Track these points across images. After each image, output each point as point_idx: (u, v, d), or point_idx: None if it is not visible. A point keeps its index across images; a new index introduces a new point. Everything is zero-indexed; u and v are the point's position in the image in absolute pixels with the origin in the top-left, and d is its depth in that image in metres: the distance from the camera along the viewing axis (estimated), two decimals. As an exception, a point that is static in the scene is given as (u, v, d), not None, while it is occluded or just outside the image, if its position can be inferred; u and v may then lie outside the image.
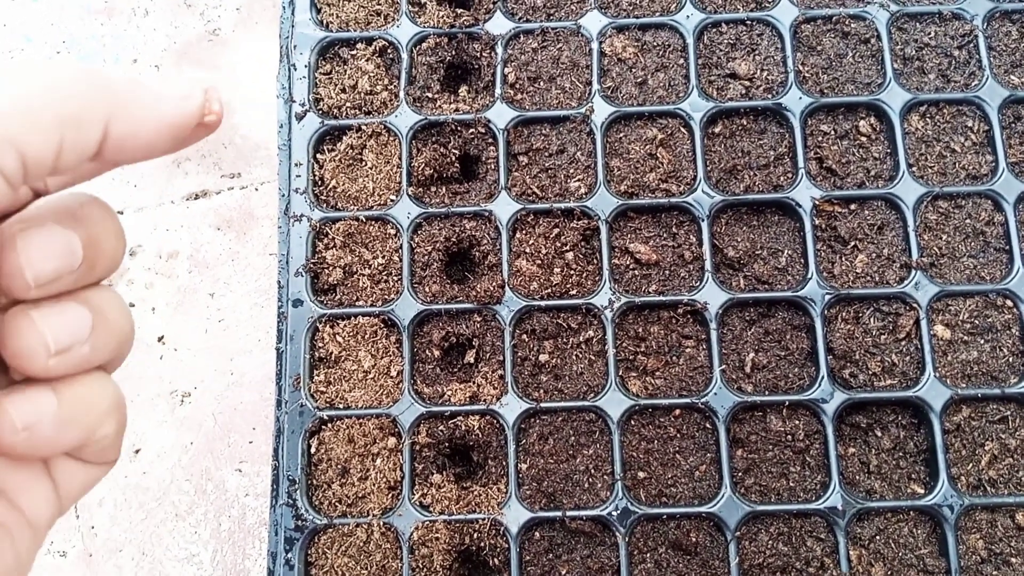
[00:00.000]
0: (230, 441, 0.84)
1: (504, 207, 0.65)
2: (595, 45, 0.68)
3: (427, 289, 0.64)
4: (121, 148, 0.26)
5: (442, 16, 0.70)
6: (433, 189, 0.67)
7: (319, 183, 0.67)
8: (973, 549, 0.59)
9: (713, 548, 0.60)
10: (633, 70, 0.68)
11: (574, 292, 0.64)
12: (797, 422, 0.61)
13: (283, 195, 0.67)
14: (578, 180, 0.66)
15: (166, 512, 0.82)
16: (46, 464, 0.29)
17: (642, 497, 0.60)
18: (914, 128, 0.66)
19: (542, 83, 0.68)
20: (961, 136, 0.65)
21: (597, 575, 0.59)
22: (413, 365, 0.63)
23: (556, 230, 0.65)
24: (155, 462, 0.83)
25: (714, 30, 0.69)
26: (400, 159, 0.67)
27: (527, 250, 0.65)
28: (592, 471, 0.61)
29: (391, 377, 0.63)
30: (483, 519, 0.60)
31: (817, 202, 0.64)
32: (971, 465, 0.60)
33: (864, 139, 0.66)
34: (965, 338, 0.62)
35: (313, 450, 0.63)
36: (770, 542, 0.59)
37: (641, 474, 0.61)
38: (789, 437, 0.61)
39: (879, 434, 0.62)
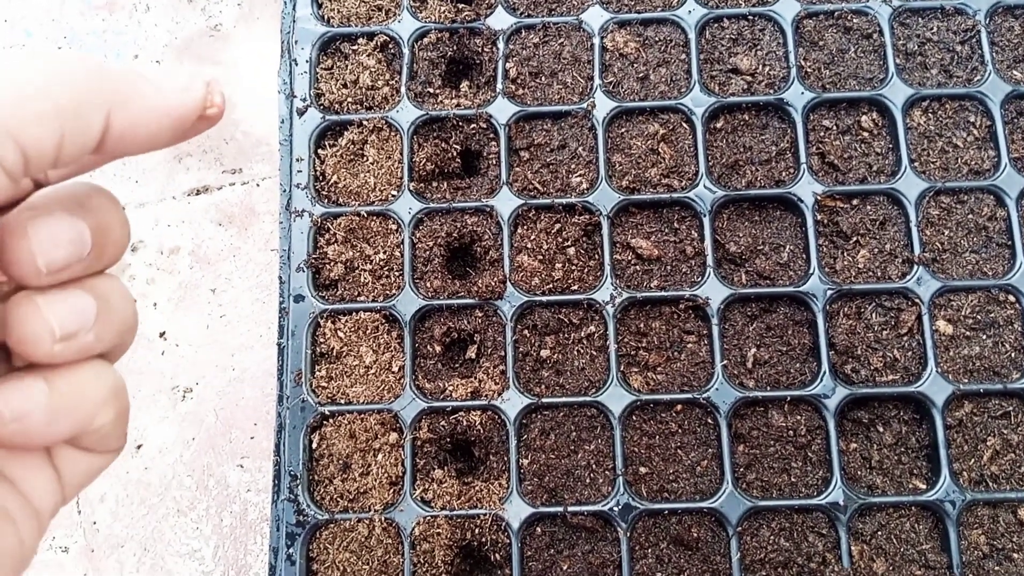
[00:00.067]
0: (232, 437, 0.84)
1: (505, 202, 0.65)
2: (597, 40, 0.68)
3: (428, 284, 0.64)
4: (122, 140, 0.26)
5: (443, 11, 0.69)
6: (434, 184, 0.67)
7: (320, 178, 0.67)
8: (975, 545, 0.59)
9: (714, 543, 0.60)
10: (635, 65, 0.68)
11: (575, 287, 0.64)
12: (799, 417, 0.61)
13: (284, 190, 0.67)
14: (579, 175, 0.66)
15: (168, 508, 0.82)
16: (49, 452, 0.29)
17: (643, 492, 0.60)
18: (916, 123, 0.66)
19: (544, 78, 0.68)
20: (963, 131, 0.65)
21: (598, 570, 0.59)
22: (414, 360, 0.63)
23: (557, 225, 0.65)
24: (157, 458, 0.84)
25: (716, 25, 0.68)
26: (401, 154, 0.67)
27: (528, 245, 0.65)
28: (593, 466, 0.61)
29: (392, 372, 0.63)
30: (484, 514, 0.60)
31: (819, 197, 0.64)
32: (973, 460, 0.60)
33: (866, 134, 0.66)
34: (967, 333, 0.62)
35: (314, 446, 0.63)
36: (772, 537, 0.59)
37: (643, 469, 0.61)
38: (791, 432, 0.61)
39: (881, 429, 0.61)
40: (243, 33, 0.96)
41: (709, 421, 0.62)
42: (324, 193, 0.67)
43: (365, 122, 0.67)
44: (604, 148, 0.66)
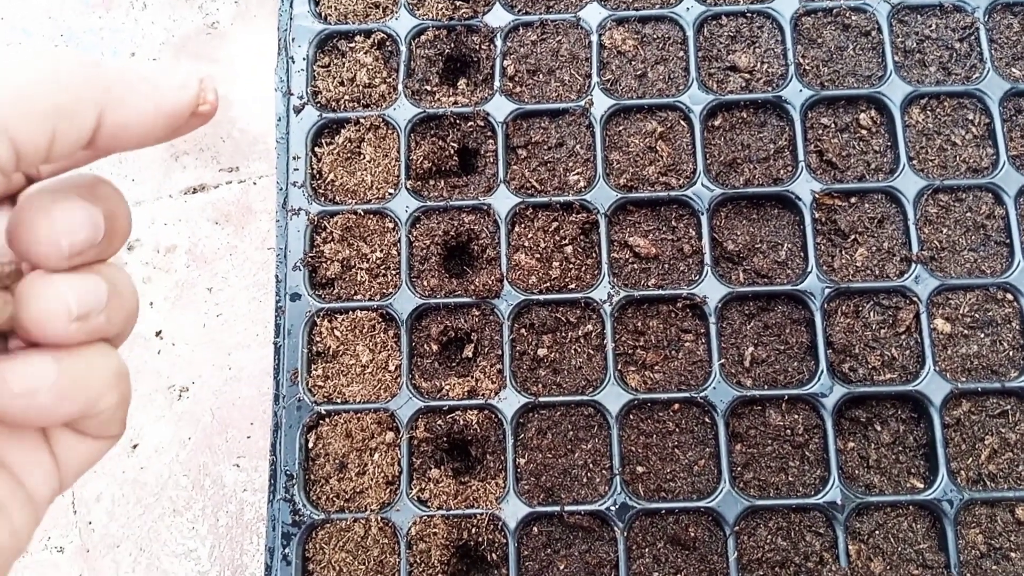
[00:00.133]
0: (228, 436, 0.83)
1: (503, 200, 0.65)
2: (594, 38, 0.68)
3: (425, 283, 0.64)
4: (115, 136, 0.26)
5: (441, 8, 0.69)
6: (432, 182, 0.67)
7: (317, 176, 0.67)
8: (973, 544, 0.59)
9: (712, 543, 0.59)
10: (633, 63, 0.68)
11: (573, 286, 0.63)
12: (796, 416, 0.61)
13: (281, 189, 0.66)
14: (577, 173, 0.66)
15: (164, 507, 0.82)
16: (47, 438, 0.29)
17: (641, 492, 0.60)
18: (915, 121, 0.65)
19: (541, 76, 0.68)
20: (962, 129, 0.65)
21: (595, 570, 0.59)
22: (411, 359, 0.63)
23: (555, 224, 0.65)
24: (153, 457, 0.83)
25: (714, 22, 0.68)
26: (398, 152, 0.66)
27: (526, 244, 0.64)
28: (591, 466, 0.61)
29: (389, 371, 0.63)
30: (481, 514, 0.60)
31: (817, 195, 0.64)
32: (971, 459, 0.60)
33: (864, 132, 0.66)
34: (965, 332, 0.62)
35: (311, 445, 0.62)
36: (769, 537, 0.59)
37: (640, 469, 0.61)
38: (788, 431, 0.61)
39: (879, 428, 0.61)
40: (240, 31, 0.96)
41: (706, 420, 0.61)
42: (321, 191, 0.67)
43: (362, 120, 0.67)
44: (602, 146, 0.65)
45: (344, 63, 0.69)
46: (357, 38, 0.69)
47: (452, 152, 0.67)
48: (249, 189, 0.91)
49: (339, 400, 0.63)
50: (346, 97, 0.68)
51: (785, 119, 0.66)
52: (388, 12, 0.70)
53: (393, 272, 0.65)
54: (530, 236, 0.64)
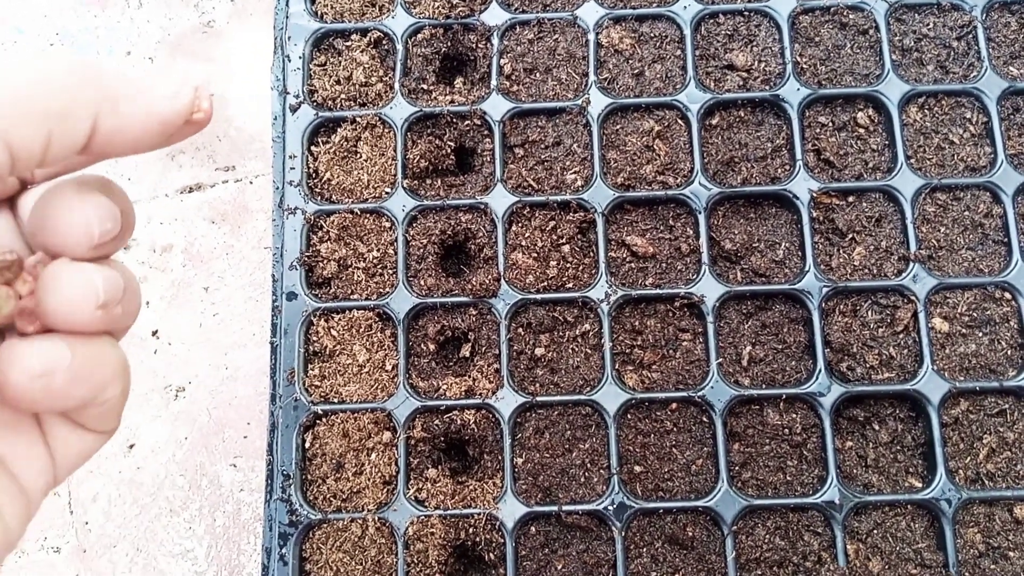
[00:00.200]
0: (224, 436, 0.83)
1: (500, 199, 0.65)
2: (592, 36, 0.68)
3: (422, 282, 0.64)
4: (109, 142, 0.27)
5: (437, 7, 0.69)
6: (428, 181, 0.67)
7: (313, 176, 0.67)
8: (971, 543, 0.59)
9: (710, 542, 0.59)
10: (630, 61, 0.67)
11: (570, 285, 0.63)
12: (794, 416, 0.61)
13: (277, 188, 0.66)
14: (574, 172, 0.65)
15: (160, 507, 0.82)
16: (43, 431, 0.29)
17: (638, 491, 0.60)
18: (912, 120, 0.65)
19: (538, 74, 0.68)
20: (960, 128, 0.65)
21: (593, 570, 0.59)
22: (408, 359, 0.63)
23: (552, 223, 0.64)
24: (149, 457, 0.83)
25: (711, 21, 0.68)
26: (395, 151, 0.66)
27: (523, 243, 0.64)
28: (588, 465, 0.61)
29: (386, 371, 0.63)
30: (479, 514, 0.59)
31: (815, 194, 0.64)
32: (969, 459, 0.60)
33: (862, 131, 0.65)
34: (963, 331, 0.62)
35: (308, 445, 0.62)
36: (767, 536, 0.59)
37: (637, 468, 0.60)
38: (786, 431, 0.61)
39: (877, 427, 0.61)
40: (236, 29, 0.95)
41: (704, 419, 0.61)
42: (317, 190, 0.67)
43: (359, 119, 0.67)
44: (599, 145, 0.65)
45: (340, 62, 0.69)
46: (353, 36, 0.69)
47: (449, 151, 0.67)
48: (245, 188, 0.90)
49: (336, 400, 0.62)
50: (342, 96, 0.68)
51: (783, 118, 0.66)
52: (384, 10, 0.70)
53: (390, 271, 0.64)
54: (527, 235, 0.64)
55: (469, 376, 0.62)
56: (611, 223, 0.65)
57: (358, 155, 0.67)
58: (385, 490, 0.61)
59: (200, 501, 0.82)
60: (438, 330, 0.63)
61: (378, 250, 0.65)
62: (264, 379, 0.80)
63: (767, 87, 0.66)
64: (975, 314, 0.62)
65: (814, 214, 0.64)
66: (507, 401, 0.61)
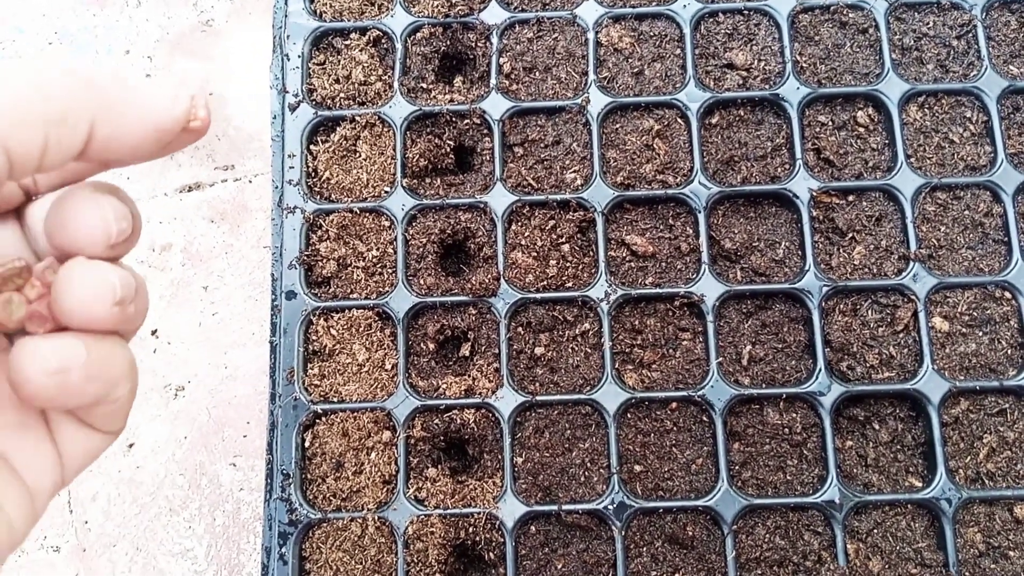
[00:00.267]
0: (224, 435, 0.83)
1: (499, 199, 0.64)
2: (591, 35, 0.68)
3: (422, 281, 0.64)
4: (107, 148, 0.27)
5: (436, 5, 0.69)
6: (428, 180, 0.67)
7: (313, 175, 0.67)
8: (971, 542, 0.58)
9: (710, 542, 0.59)
10: (629, 60, 0.67)
11: (570, 284, 0.63)
12: (794, 415, 0.61)
13: (276, 187, 0.66)
14: (574, 171, 0.65)
15: (160, 507, 0.82)
16: (50, 430, 0.29)
17: (638, 491, 0.60)
18: (912, 119, 0.65)
19: (538, 73, 0.68)
20: (960, 127, 0.65)
21: (593, 569, 0.59)
22: (408, 358, 0.63)
23: (552, 222, 0.64)
24: (149, 456, 0.83)
25: (711, 20, 0.68)
26: (394, 150, 0.66)
27: (523, 242, 0.64)
28: (588, 465, 0.61)
29: (386, 370, 0.63)
30: (478, 513, 0.59)
31: (815, 193, 0.64)
32: (969, 458, 0.60)
33: (862, 130, 0.65)
34: (963, 330, 0.62)
35: (307, 444, 0.62)
36: (767, 536, 0.59)
37: (637, 467, 0.60)
38: (786, 430, 0.61)
39: (877, 427, 0.61)
40: (235, 28, 0.95)
41: (704, 419, 0.61)
42: (316, 189, 0.66)
43: (358, 118, 0.67)
44: (598, 144, 0.65)
45: (339, 60, 0.69)
46: (352, 35, 0.69)
47: (448, 150, 0.67)
48: (244, 187, 0.90)
49: (335, 399, 0.62)
50: (341, 95, 0.68)
51: (782, 117, 0.66)
52: (384, 9, 0.70)
53: (389, 270, 0.64)
54: (527, 234, 0.64)
55: (469, 375, 0.62)
56: (611, 222, 0.65)
57: (357, 154, 0.67)
58: (385, 489, 0.61)
59: (200, 500, 0.82)
60: (438, 329, 0.63)
61: (377, 249, 0.65)
62: (263, 378, 0.80)
63: (767, 86, 0.66)
64: (975, 313, 0.62)
65: (814, 213, 0.64)
66: (507, 400, 0.61)
